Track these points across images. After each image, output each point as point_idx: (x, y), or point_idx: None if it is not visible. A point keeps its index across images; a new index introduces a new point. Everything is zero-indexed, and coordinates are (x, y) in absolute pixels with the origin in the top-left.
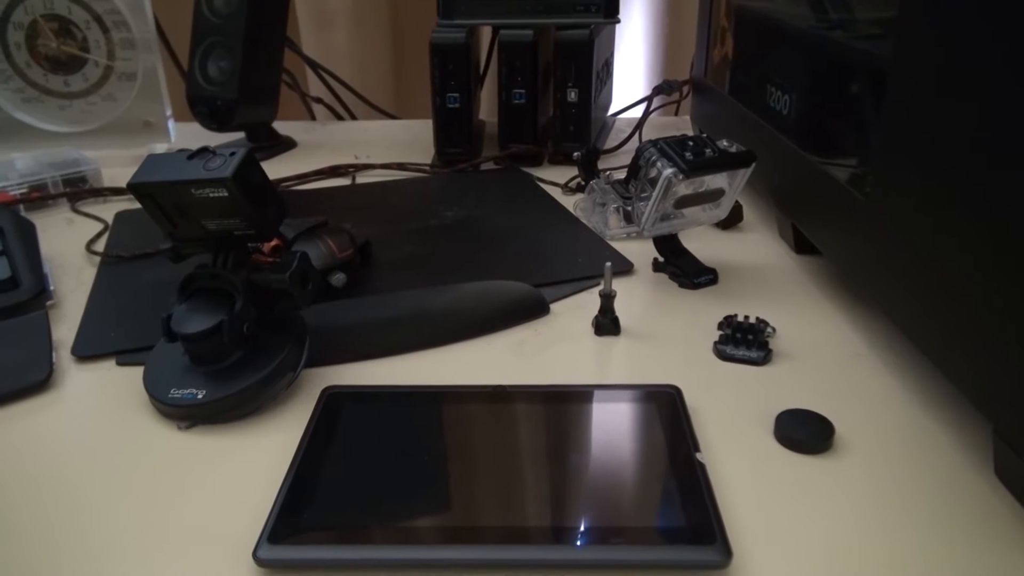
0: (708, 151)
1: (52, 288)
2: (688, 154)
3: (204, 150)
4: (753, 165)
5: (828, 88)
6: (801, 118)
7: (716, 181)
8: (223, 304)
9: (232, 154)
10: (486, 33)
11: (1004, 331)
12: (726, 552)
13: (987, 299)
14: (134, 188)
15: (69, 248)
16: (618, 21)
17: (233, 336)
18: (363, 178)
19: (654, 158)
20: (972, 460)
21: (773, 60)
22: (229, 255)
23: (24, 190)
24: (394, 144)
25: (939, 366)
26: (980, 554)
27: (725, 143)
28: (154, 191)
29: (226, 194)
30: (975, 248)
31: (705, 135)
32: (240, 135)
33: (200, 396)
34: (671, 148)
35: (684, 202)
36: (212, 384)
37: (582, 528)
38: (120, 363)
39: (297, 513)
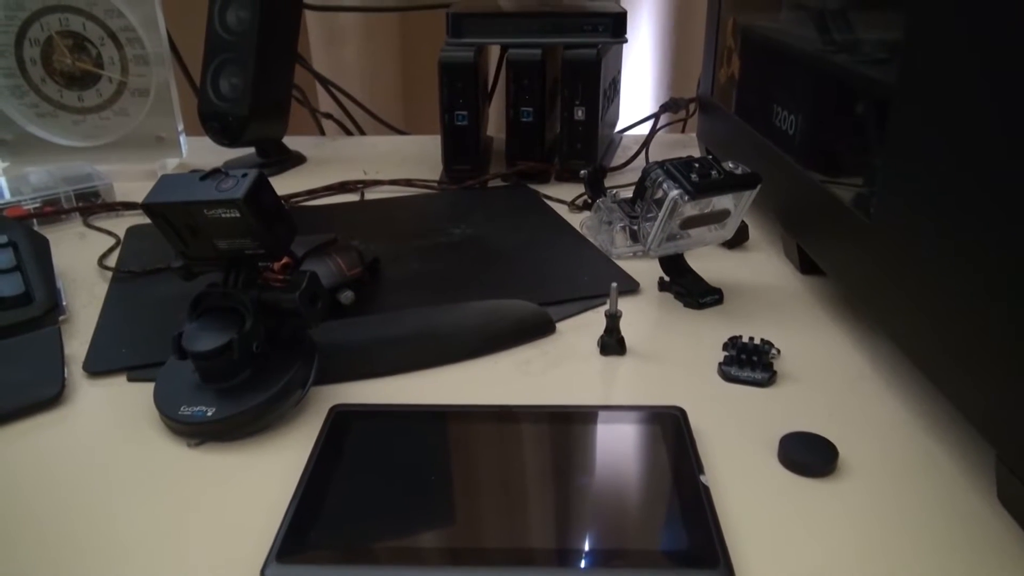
0: (714, 173)
1: (64, 303)
2: (694, 176)
3: (216, 171)
4: (758, 187)
5: (833, 110)
6: (806, 139)
7: (722, 202)
8: (233, 322)
9: (244, 175)
10: (495, 51)
11: (1008, 356)
12: (728, 575)
13: (991, 323)
14: (148, 208)
15: (81, 263)
16: (625, 41)
17: (243, 354)
18: (371, 194)
19: (660, 179)
20: (975, 484)
21: (778, 81)
22: (240, 274)
23: (37, 204)
24: (403, 160)
25: (943, 390)
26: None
27: (731, 165)
28: (167, 211)
29: (238, 215)
30: (979, 271)
31: (711, 156)
32: (250, 150)
33: (210, 413)
34: (677, 170)
35: (690, 223)
36: (222, 402)
37: (585, 550)
38: (131, 379)
39: (305, 531)
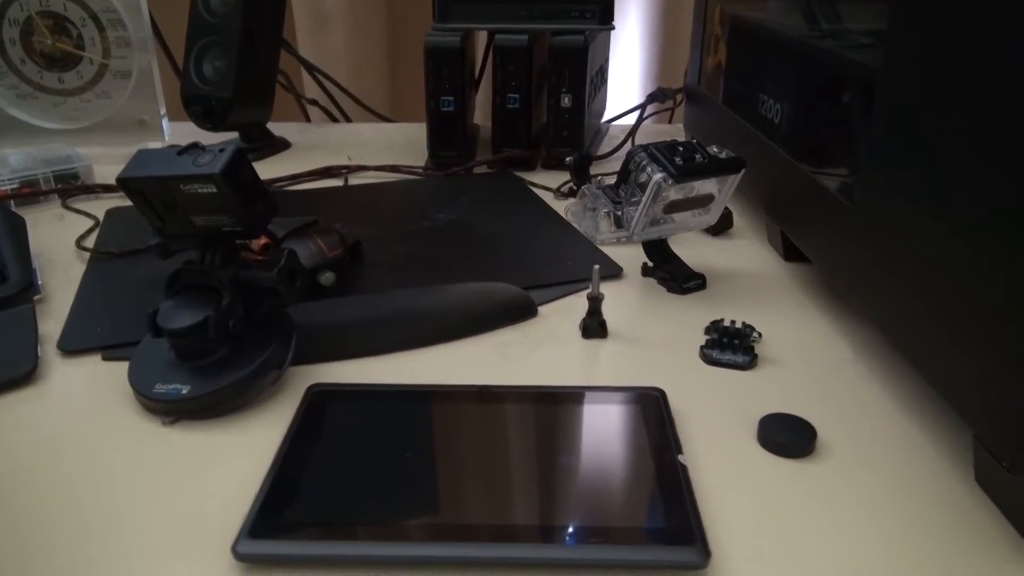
0: (698, 156)
1: (40, 283)
2: (678, 159)
3: (194, 146)
4: (743, 171)
5: (818, 97)
6: (792, 127)
7: (706, 187)
8: (210, 300)
9: (221, 150)
10: (483, 38)
11: (986, 338)
12: (704, 553)
13: (970, 307)
14: (123, 183)
15: (59, 244)
16: (612, 28)
17: (219, 332)
18: (356, 180)
19: (644, 163)
20: (954, 466)
21: (764, 69)
22: (217, 252)
23: (15, 185)
24: (388, 147)
25: (923, 372)
26: (959, 560)
27: (715, 149)
28: (143, 186)
29: (215, 190)
30: (959, 256)
31: (695, 141)
32: (234, 135)
33: (184, 391)
34: (661, 153)
35: (673, 207)
36: (197, 380)
37: (563, 527)
38: (106, 358)
39: (278, 509)
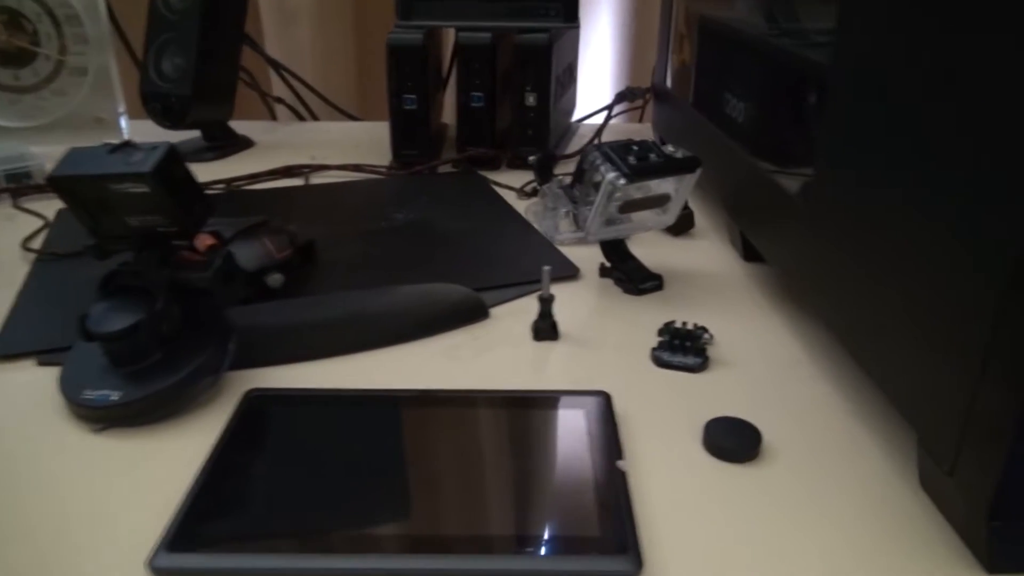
0: (652, 156)
1: None
2: (631, 159)
3: (127, 144)
4: (699, 171)
5: (775, 96)
6: (752, 126)
7: (662, 186)
8: (144, 303)
9: (154, 148)
10: (451, 35)
11: (930, 342)
12: (636, 562)
13: (915, 310)
14: (54, 181)
15: (5, 245)
16: (577, 26)
17: (151, 336)
18: (318, 179)
19: (598, 162)
20: (898, 470)
21: (727, 68)
22: (153, 253)
23: None
24: (354, 146)
25: (869, 374)
26: (903, 566)
27: (671, 148)
28: (74, 185)
29: (147, 190)
30: (906, 259)
31: (652, 140)
32: (196, 134)
33: (114, 397)
34: (615, 152)
35: (630, 207)
36: (128, 385)
37: (493, 537)
38: (42, 363)
39: (203, 520)
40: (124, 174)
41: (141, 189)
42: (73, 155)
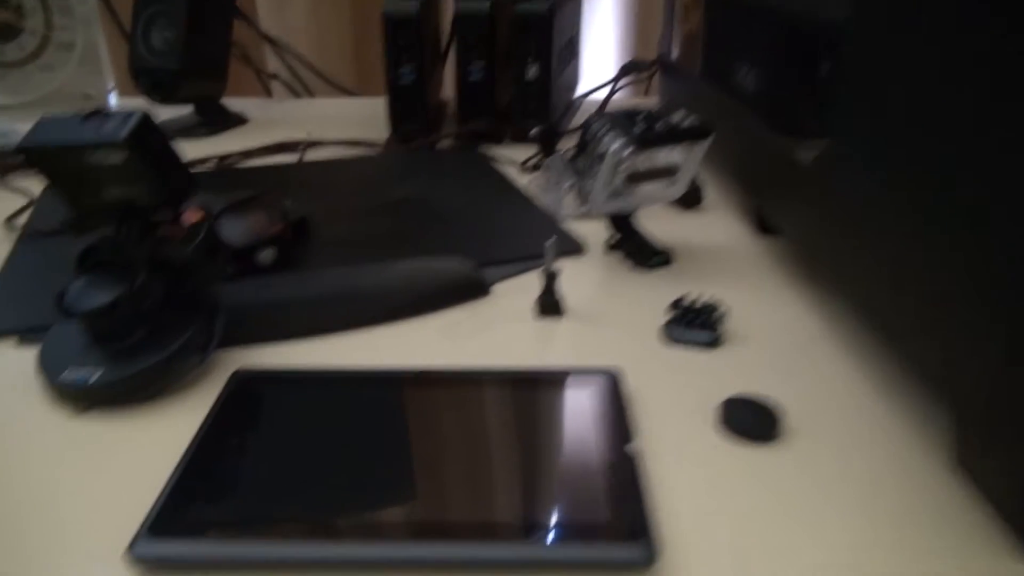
0: (659, 124)
1: None
2: (637, 127)
3: (98, 112)
4: (710, 139)
5: (789, 63)
6: (765, 95)
7: (670, 156)
8: (124, 278)
9: (129, 116)
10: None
11: (963, 315)
12: (651, 550)
13: (946, 282)
14: (24, 151)
15: None
16: None
17: (132, 313)
18: (313, 155)
19: (601, 132)
20: (931, 449)
21: (738, 36)
22: (133, 227)
23: None
24: (350, 122)
25: (900, 351)
26: (938, 547)
27: (679, 116)
28: (46, 155)
29: (122, 160)
30: (933, 224)
31: (659, 108)
32: (188, 109)
33: (95, 378)
34: (620, 121)
35: (637, 178)
36: (110, 365)
37: (498, 523)
38: (23, 341)
39: (187, 505)
40: (97, 143)
41: (116, 159)
42: (44, 124)
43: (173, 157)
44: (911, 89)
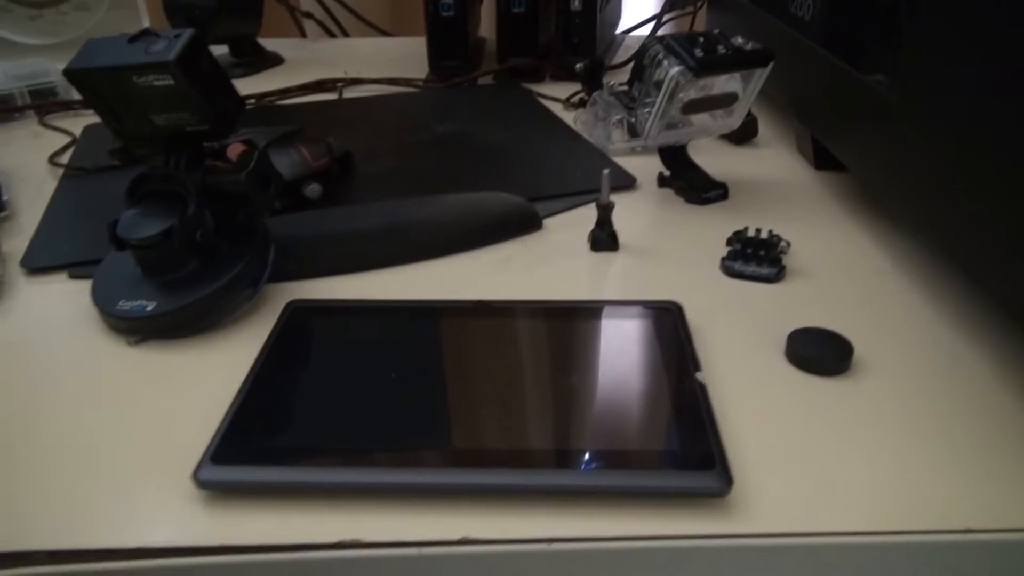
0: (721, 48)
1: (6, 199)
2: (698, 51)
3: (147, 32)
4: (771, 65)
5: None
6: (826, 19)
7: (729, 84)
8: (176, 209)
9: (177, 36)
10: None
11: None
12: (726, 479)
13: None
14: (71, 75)
15: (32, 161)
16: None
17: (185, 243)
18: (351, 93)
19: (660, 56)
20: (1010, 384)
21: None
22: (183, 155)
23: None
24: (387, 61)
25: (980, 282)
26: (1019, 488)
27: (740, 40)
28: (92, 79)
29: (171, 81)
30: (1017, 151)
31: (718, 31)
32: (223, 49)
33: (150, 308)
34: (680, 45)
35: (692, 107)
36: (164, 295)
37: (569, 451)
38: (73, 276)
39: (247, 433)
40: (145, 64)
41: (165, 81)
42: (91, 46)
43: (222, 79)
44: (994, 12)
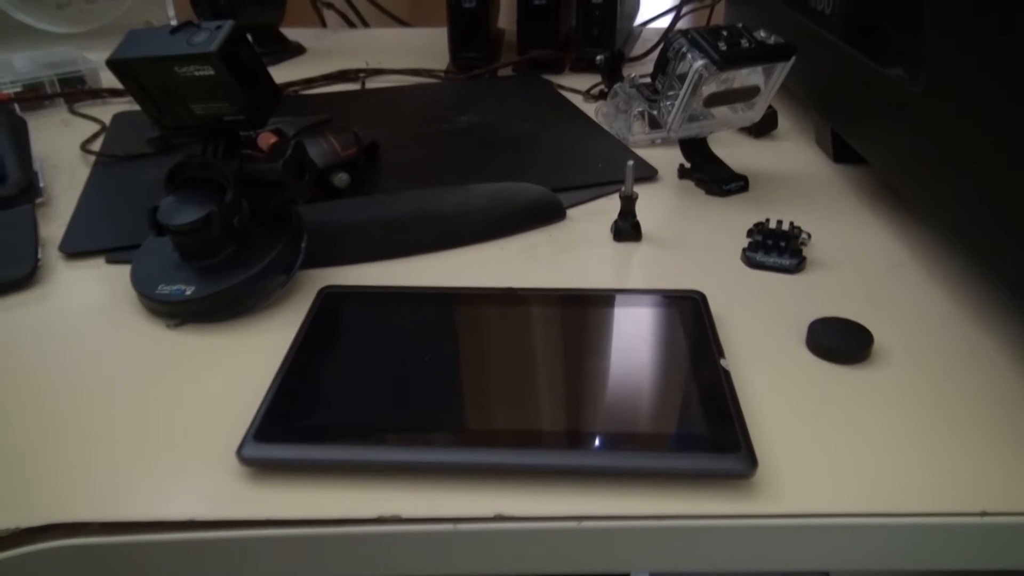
0: (744, 42)
1: (43, 185)
2: (722, 44)
3: (188, 24)
4: (793, 59)
5: None
6: (848, 13)
7: (751, 78)
8: (213, 196)
9: (218, 28)
10: None
11: None
12: (751, 461)
13: None
14: (114, 65)
15: (64, 148)
16: None
17: (223, 229)
18: (373, 84)
19: (684, 49)
20: None
21: None
22: (220, 144)
23: (19, 89)
24: (408, 52)
25: (998, 273)
26: None
27: (763, 34)
28: (135, 69)
29: (212, 72)
30: None
31: (741, 25)
32: None
33: (189, 292)
34: (703, 38)
35: (714, 100)
36: (202, 280)
37: (598, 433)
38: (110, 260)
39: (286, 412)
40: (187, 55)
41: (206, 72)
42: (133, 36)
43: (261, 70)
44: (1017, 7)
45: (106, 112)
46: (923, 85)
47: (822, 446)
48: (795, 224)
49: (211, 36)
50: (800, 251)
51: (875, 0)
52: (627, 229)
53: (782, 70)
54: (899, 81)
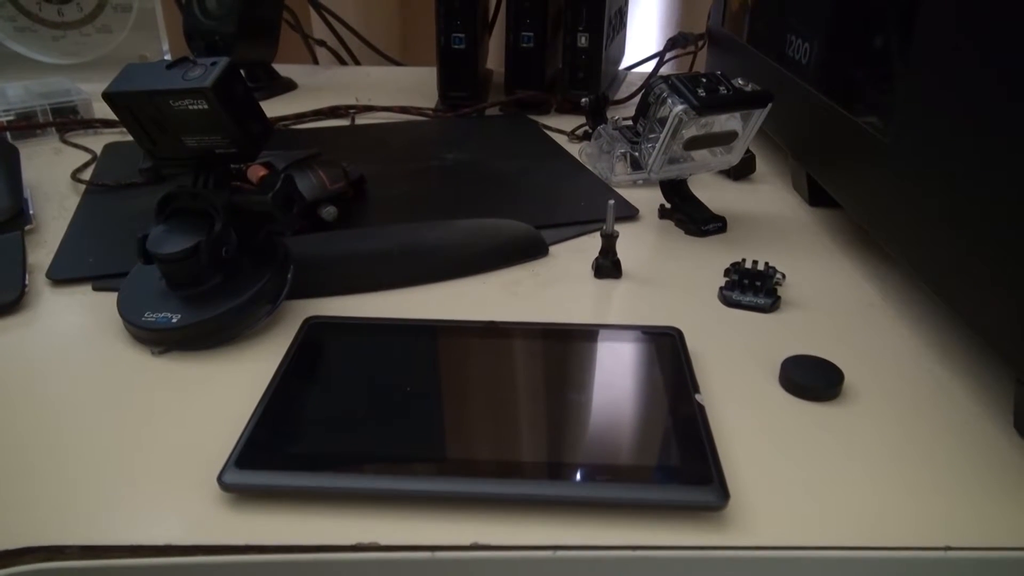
0: (722, 89)
1: (32, 212)
2: (701, 91)
3: (184, 60)
4: (769, 106)
5: (852, 30)
6: (823, 63)
7: (729, 123)
8: (202, 226)
9: (214, 64)
10: None
11: None
12: (723, 494)
13: (1013, 246)
14: (109, 98)
15: (55, 177)
16: None
17: (211, 259)
18: (363, 120)
19: (664, 94)
20: (991, 413)
21: (793, 5)
22: (210, 175)
23: (11, 118)
24: (398, 89)
25: (963, 315)
26: (995, 511)
27: (740, 82)
28: (130, 102)
29: (206, 106)
30: (1006, 192)
31: (720, 72)
32: None
33: (174, 320)
34: (684, 84)
35: (694, 144)
36: (188, 309)
37: (574, 465)
38: (96, 288)
39: (268, 439)
40: (183, 90)
41: (200, 106)
42: (129, 70)
43: (254, 106)
44: (988, 52)
45: (98, 142)
46: (892, 135)
47: (793, 480)
48: (771, 264)
49: (206, 72)
50: (775, 291)
51: (849, 52)
52: (608, 266)
53: (759, 116)
54: (871, 130)
